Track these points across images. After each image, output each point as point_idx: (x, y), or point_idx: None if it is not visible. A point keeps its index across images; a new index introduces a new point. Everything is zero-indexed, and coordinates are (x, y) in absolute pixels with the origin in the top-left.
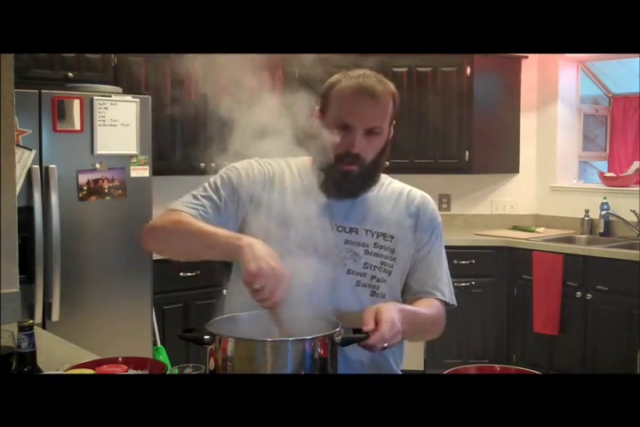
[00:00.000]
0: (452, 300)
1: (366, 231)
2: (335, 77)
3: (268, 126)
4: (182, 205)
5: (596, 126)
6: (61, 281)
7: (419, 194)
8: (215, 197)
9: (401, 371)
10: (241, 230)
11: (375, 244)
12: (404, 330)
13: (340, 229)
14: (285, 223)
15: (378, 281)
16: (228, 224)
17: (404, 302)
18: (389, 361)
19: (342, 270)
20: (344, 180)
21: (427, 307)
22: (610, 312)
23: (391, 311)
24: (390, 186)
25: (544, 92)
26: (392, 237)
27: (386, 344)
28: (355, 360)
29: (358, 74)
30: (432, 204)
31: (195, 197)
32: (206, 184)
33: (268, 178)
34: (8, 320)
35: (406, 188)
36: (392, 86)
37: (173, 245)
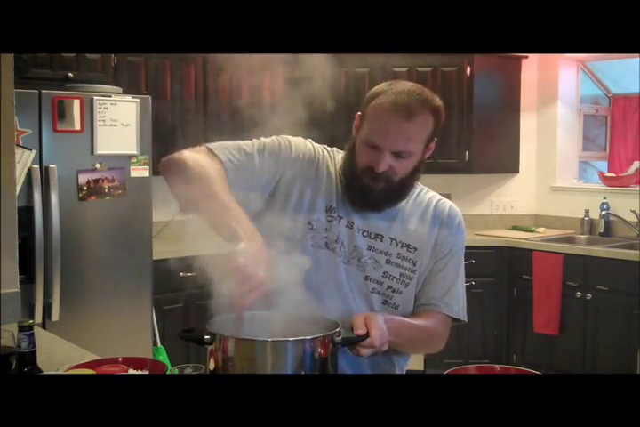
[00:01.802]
0: (460, 315)
1: (391, 240)
2: (379, 88)
3: (270, 126)
4: (222, 153)
5: (596, 126)
6: (61, 281)
7: (447, 206)
8: (257, 158)
9: None
10: (264, 202)
11: (398, 254)
12: (391, 341)
13: (364, 234)
14: (313, 214)
15: (393, 292)
16: (253, 188)
17: None
18: (395, 369)
19: (361, 275)
20: (366, 193)
21: (426, 320)
22: (610, 312)
23: (381, 320)
24: (420, 195)
25: (544, 92)
26: (415, 248)
27: (374, 351)
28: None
29: (401, 89)
30: (459, 218)
31: (239, 149)
32: (256, 141)
33: (314, 163)
34: (8, 320)
35: (435, 198)
36: (436, 103)
37: (185, 190)
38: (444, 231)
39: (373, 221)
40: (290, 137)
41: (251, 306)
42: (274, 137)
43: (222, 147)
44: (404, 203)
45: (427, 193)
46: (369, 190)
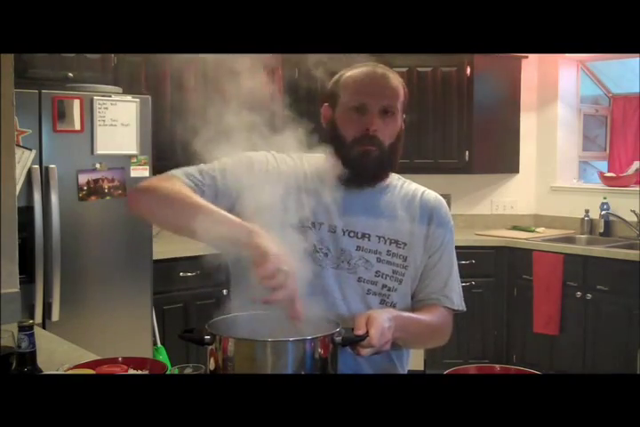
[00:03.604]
0: (459, 306)
1: (379, 238)
2: (342, 71)
3: (268, 126)
4: (183, 175)
5: (596, 126)
6: (61, 281)
7: (432, 196)
8: (219, 178)
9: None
10: None
11: (388, 251)
12: (399, 337)
13: (351, 234)
14: (292, 227)
15: (389, 290)
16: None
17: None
18: (397, 369)
19: (353, 278)
20: (363, 162)
21: (429, 314)
22: (610, 312)
23: (382, 320)
24: (403, 188)
25: (544, 92)
26: (405, 244)
27: (374, 351)
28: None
29: (364, 64)
30: (445, 207)
31: (200, 171)
32: (216, 163)
33: (279, 176)
34: (8, 320)
35: (419, 189)
36: (400, 78)
37: (163, 213)
38: (433, 224)
39: (358, 221)
40: (251, 153)
41: (280, 301)
42: (234, 156)
43: (184, 172)
44: (388, 196)
45: (410, 184)
46: (364, 160)
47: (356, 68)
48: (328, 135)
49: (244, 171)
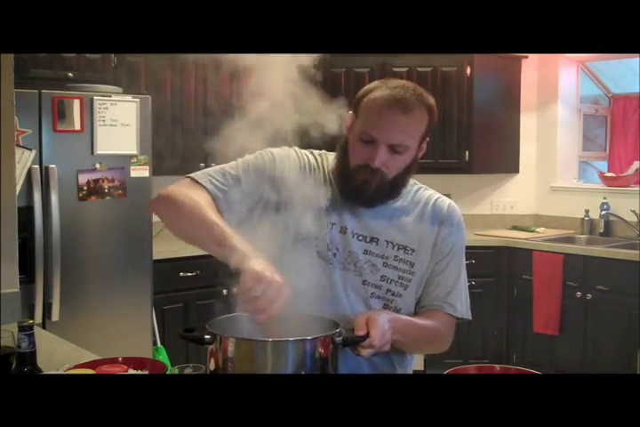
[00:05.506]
0: (464, 314)
1: (387, 243)
2: (372, 85)
3: (270, 127)
4: (207, 181)
5: (596, 126)
6: (61, 281)
7: (446, 204)
8: (243, 179)
9: None
10: (256, 218)
11: (395, 256)
12: (396, 340)
13: (360, 238)
14: (303, 225)
15: (393, 295)
16: (244, 209)
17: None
18: (396, 372)
19: (358, 280)
20: (360, 191)
21: (430, 320)
22: (610, 312)
23: (382, 320)
24: (417, 194)
25: (544, 92)
26: (413, 250)
27: (375, 352)
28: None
29: (396, 84)
30: (458, 216)
31: (223, 173)
32: (240, 161)
33: (300, 172)
34: (8, 320)
35: (433, 196)
36: (430, 100)
37: (181, 226)
38: (443, 231)
39: (368, 225)
40: (273, 149)
41: (277, 313)
42: (257, 153)
43: (206, 175)
44: (400, 201)
45: (425, 191)
46: (363, 187)
47: (382, 89)
48: (340, 147)
49: (267, 168)
